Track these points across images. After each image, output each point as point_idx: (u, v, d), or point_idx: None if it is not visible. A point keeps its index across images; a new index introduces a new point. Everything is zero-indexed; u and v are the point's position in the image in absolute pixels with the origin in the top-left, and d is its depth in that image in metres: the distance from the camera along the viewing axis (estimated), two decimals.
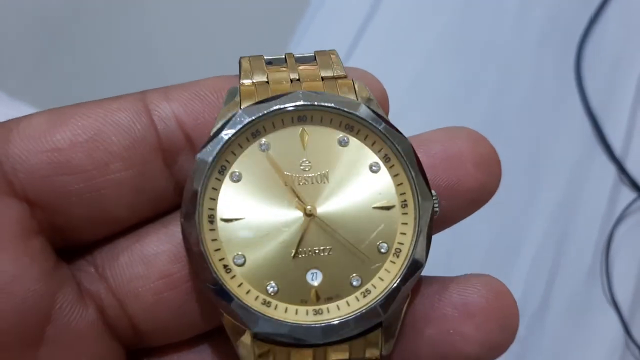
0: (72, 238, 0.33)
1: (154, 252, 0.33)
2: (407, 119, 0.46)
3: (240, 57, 0.36)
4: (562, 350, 0.62)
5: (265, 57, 0.36)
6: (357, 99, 0.34)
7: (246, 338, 0.32)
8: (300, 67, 0.35)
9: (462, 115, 0.71)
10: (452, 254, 0.66)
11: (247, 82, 0.34)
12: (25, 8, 0.81)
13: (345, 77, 0.35)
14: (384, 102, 0.37)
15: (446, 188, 0.35)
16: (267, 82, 0.34)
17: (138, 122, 0.32)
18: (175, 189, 0.34)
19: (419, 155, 0.34)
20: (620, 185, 0.66)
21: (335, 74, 0.35)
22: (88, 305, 0.32)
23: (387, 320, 0.32)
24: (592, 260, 0.64)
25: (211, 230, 0.32)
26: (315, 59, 0.36)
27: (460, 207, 0.35)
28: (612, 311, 0.61)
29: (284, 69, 0.35)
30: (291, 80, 0.35)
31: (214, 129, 0.32)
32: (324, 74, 0.35)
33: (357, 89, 0.34)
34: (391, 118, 0.35)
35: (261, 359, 0.32)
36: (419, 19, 0.76)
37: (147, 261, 0.33)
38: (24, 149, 0.30)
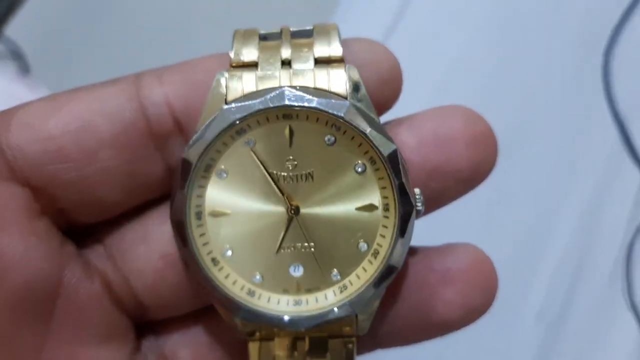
0: (75, 221, 0.35)
1: (154, 233, 0.35)
2: None
3: (235, 30, 0.35)
4: (581, 353, 0.62)
5: (260, 32, 0.35)
6: (347, 91, 0.33)
7: (235, 318, 0.34)
8: (295, 41, 0.34)
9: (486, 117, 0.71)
10: None
11: (236, 60, 0.34)
12: None
13: (340, 60, 0.34)
14: (395, 78, 0.35)
15: (435, 169, 0.34)
16: (257, 64, 0.34)
17: (128, 109, 0.33)
18: (167, 173, 0.35)
19: (407, 136, 0.34)
20: None
21: (331, 54, 0.34)
22: (94, 280, 0.34)
23: (361, 313, 0.34)
24: (614, 264, 0.64)
25: (199, 226, 0.33)
26: (313, 34, 0.35)
27: (450, 188, 0.35)
28: (632, 317, 0.62)
29: (277, 43, 0.34)
30: (282, 63, 0.34)
31: (199, 125, 0.33)
32: (318, 52, 0.34)
33: (349, 78, 0.33)
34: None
35: (250, 334, 0.35)
36: (449, 20, 0.76)
37: (149, 241, 0.35)
38: (21, 138, 0.31)
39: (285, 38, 0.35)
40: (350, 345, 0.35)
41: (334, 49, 0.34)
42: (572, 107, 0.71)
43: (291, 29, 0.35)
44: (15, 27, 0.80)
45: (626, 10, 0.75)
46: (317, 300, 0.34)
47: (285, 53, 0.34)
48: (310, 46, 0.34)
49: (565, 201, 0.67)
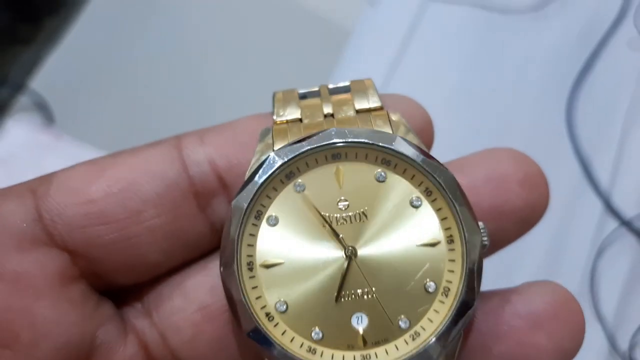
0: (114, 283, 0.34)
1: (192, 285, 0.34)
2: None
3: (274, 92, 0.34)
4: None
5: (299, 91, 0.34)
6: (393, 131, 0.32)
7: None
8: (334, 98, 0.33)
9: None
10: None
11: (279, 119, 0.33)
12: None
13: (380, 108, 0.33)
14: (428, 128, 0.35)
15: (492, 210, 0.33)
16: (300, 119, 0.33)
17: (171, 169, 0.32)
18: (211, 232, 0.34)
19: (460, 179, 0.31)
20: (606, 216, 0.73)
21: (370, 106, 0.33)
22: (129, 340, 0.33)
23: None
24: (581, 281, 0.70)
25: (251, 277, 0.31)
26: (349, 89, 0.34)
27: (508, 229, 0.33)
28: (598, 326, 0.68)
29: (318, 100, 0.34)
30: (325, 116, 0.33)
31: (248, 173, 0.31)
32: (358, 105, 0.33)
33: (392, 120, 0.32)
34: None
35: None
36: (432, 78, 0.83)
37: (186, 293, 0.33)
38: (62, 202, 0.31)
39: (324, 95, 0.34)
40: None
41: (373, 102, 0.33)
42: (539, 146, 0.74)
43: (329, 87, 0.35)
44: (40, 79, 0.83)
45: (589, 58, 0.82)
46: (387, 353, 0.30)
47: (327, 109, 0.33)
48: (349, 101, 0.33)
49: (536, 227, 0.73)
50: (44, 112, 0.82)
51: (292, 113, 0.33)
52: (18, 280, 0.30)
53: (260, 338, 0.30)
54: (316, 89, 0.35)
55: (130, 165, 0.32)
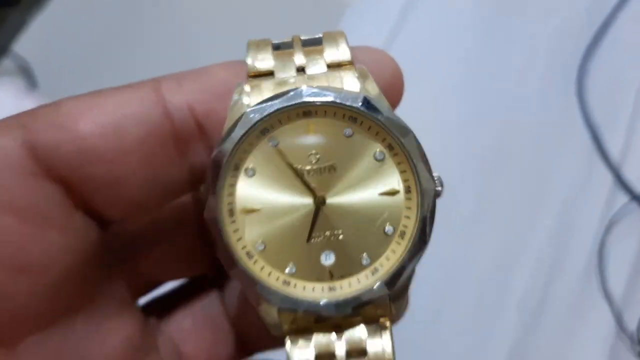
0: (105, 218, 0.35)
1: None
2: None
3: (249, 41, 0.36)
4: (559, 341, 0.68)
5: (273, 42, 0.37)
6: (360, 88, 0.35)
7: (272, 309, 0.35)
8: (307, 49, 0.36)
9: (472, 133, 0.77)
10: (456, 254, 0.72)
11: (253, 70, 0.35)
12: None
13: (349, 63, 0.36)
14: (398, 81, 0.37)
15: None
16: (273, 72, 0.35)
17: (154, 113, 0.33)
18: (190, 177, 0.35)
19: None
20: (616, 190, 0.72)
21: (340, 58, 0.36)
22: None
23: (394, 293, 0.35)
24: (589, 258, 0.70)
25: (232, 222, 0.35)
26: (322, 41, 0.37)
27: None
28: (606, 305, 0.67)
29: (290, 51, 0.36)
30: (297, 69, 0.36)
31: (225, 129, 0.34)
32: (329, 58, 0.36)
33: (360, 77, 0.35)
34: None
35: (287, 325, 0.35)
36: (436, 51, 0.81)
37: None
38: (55, 138, 0.31)
39: (297, 46, 0.37)
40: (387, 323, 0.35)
41: (343, 53, 0.36)
42: (550, 116, 0.77)
43: (302, 38, 0.37)
44: (24, 43, 0.82)
45: (600, 27, 0.81)
46: (350, 285, 0.35)
47: (299, 60, 0.36)
48: (321, 52, 0.36)
49: (544, 202, 0.72)
50: (27, 76, 0.81)
51: (265, 63, 0.36)
52: (28, 209, 0.31)
53: (243, 275, 0.34)
54: (289, 40, 0.37)
55: (114, 107, 0.33)
